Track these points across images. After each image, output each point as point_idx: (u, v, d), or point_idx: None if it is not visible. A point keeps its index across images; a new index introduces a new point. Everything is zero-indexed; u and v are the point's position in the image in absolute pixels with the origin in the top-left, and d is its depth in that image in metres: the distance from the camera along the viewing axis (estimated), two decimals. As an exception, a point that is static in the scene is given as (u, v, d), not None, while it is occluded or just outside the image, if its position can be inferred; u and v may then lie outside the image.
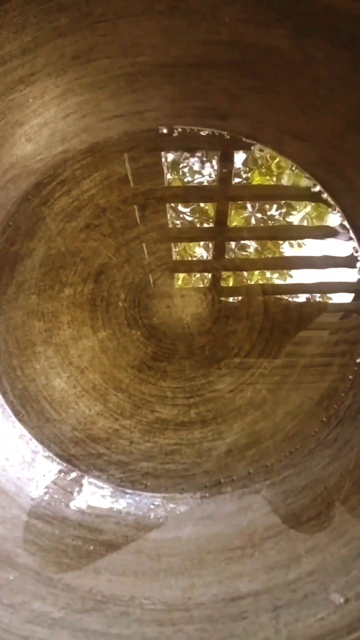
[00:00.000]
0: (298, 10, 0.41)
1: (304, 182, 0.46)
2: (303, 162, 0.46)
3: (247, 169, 0.46)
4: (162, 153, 0.46)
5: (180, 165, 0.46)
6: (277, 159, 0.46)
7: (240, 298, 0.44)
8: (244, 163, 0.46)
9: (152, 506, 0.39)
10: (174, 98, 0.45)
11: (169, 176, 0.46)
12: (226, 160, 0.46)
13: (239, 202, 0.46)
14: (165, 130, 0.46)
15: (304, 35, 0.42)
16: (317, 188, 0.45)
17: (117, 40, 0.43)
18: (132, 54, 0.44)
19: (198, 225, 0.46)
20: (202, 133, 0.46)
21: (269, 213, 0.46)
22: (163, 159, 0.46)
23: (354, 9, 0.40)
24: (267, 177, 0.46)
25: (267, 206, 0.46)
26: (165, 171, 0.46)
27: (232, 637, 0.31)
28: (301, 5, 0.40)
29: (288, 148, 0.46)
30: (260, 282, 0.44)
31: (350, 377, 0.42)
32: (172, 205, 0.46)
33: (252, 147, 0.46)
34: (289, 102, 0.44)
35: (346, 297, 0.44)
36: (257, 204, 0.46)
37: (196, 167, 0.46)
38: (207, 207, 0.46)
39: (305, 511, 0.36)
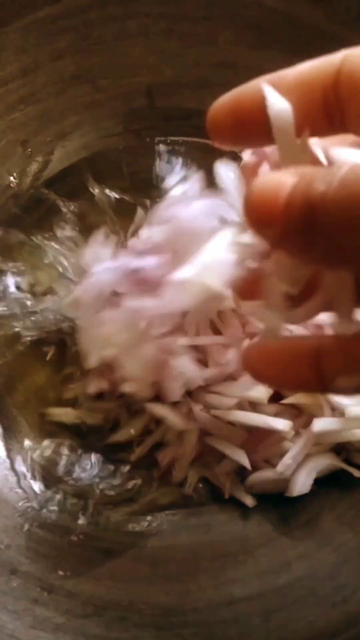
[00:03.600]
0: (288, 33, 0.42)
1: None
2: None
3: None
4: (160, 169, 0.47)
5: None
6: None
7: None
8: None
9: (149, 515, 0.40)
10: (171, 117, 0.47)
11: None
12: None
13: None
14: (162, 148, 0.47)
15: (295, 58, 0.43)
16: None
17: (114, 61, 0.44)
18: (129, 74, 0.45)
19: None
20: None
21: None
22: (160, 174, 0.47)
23: (342, 31, 0.41)
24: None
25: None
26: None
27: (226, 641, 0.33)
28: (291, 29, 0.42)
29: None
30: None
31: None
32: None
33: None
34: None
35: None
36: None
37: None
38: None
39: (295, 519, 0.38)
